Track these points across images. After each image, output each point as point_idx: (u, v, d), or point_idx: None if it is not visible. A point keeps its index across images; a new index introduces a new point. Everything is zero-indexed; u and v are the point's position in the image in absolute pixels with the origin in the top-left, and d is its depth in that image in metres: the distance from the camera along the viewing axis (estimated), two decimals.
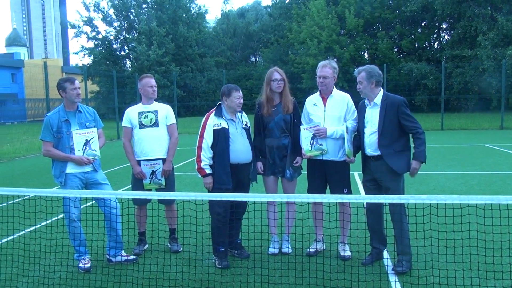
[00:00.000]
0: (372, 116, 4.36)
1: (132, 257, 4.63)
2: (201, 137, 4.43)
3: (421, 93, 30.61)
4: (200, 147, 4.41)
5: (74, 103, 4.56)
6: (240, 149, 4.52)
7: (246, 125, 4.69)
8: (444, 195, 3.17)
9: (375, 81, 4.32)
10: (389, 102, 4.27)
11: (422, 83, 30.75)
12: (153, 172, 4.89)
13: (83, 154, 4.52)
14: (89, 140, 4.58)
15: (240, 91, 4.56)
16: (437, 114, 24.92)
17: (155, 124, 4.91)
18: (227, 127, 4.47)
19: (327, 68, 4.61)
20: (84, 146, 4.54)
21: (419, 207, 4.00)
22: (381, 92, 4.38)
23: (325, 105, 4.67)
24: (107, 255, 4.64)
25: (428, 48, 36.60)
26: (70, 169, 4.51)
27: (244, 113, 4.76)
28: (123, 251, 4.68)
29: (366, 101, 4.48)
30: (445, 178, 8.93)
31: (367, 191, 4.50)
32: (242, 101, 4.52)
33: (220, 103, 4.59)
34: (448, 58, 32.22)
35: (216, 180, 4.40)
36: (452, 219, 3.91)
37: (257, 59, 53.04)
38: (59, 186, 4.61)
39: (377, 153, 4.29)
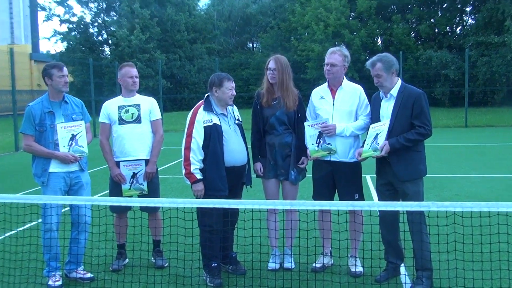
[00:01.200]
0: (388, 111, 4.36)
1: (89, 275, 4.60)
2: (190, 136, 4.38)
3: (442, 85, 30.70)
4: (188, 148, 4.37)
5: (60, 92, 4.57)
6: (236, 148, 4.50)
7: (238, 120, 4.68)
8: (469, 202, 3.16)
9: (395, 71, 4.33)
10: (406, 94, 4.27)
11: (443, 74, 30.80)
12: (134, 175, 4.87)
13: (68, 151, 4.50)
14: (76, 135, 4.57)
15: (233, 81, 4.56)
16: (460, 109, 24.98)
17: (137, 120, 4.89)
18: (219, 123, 4.44)
19: (336, 55, 4.60)
20: (70, 142, 4.52)
21: (441, 215, 3.98)
22: (399, 82, 4.38)
23: (333, 98, 4.67)
24: (65, 270, 4.63)
25: (449, 34, 36.70)
26: (54, 167, 4.49)
27: (235, 106, 4.76)
28: (81, 268, 4.65)
29: (381, 93, 4.47)
30: (470, 182, 8.95)
31: (382, 197, 4.48)
32: (234, 92, 4.52)
33: (208, 95, 4.56)
34: (472, 45, 32.28)
35: (209, 187, 4.37)
36: (479, 229, 3.88)
37: (255, 45, 53.01)
38: (39, 187, 4.60)
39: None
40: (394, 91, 4.34)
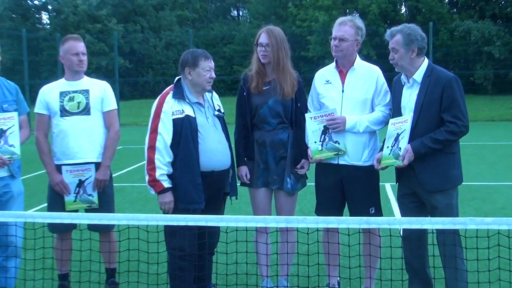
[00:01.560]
0: (411, 101, 4.39)
1: None
2: (154, 132, 4.38)
3: (484, 66, 30.89)
4: (153, 148, 4.37)
5: None
6: (215, 148, 4.51)
7: (219, 111, 4.68)
8: None
9: (416, 48, 4.34)
10: (434, 79, 4.31)
11: (486, 52, 30.99)
12: (80, 183, 4.86)
13: None
14: (6, 131, 4.56)
15: (211, 60, 4.56)
16: (506, 97, 25.23)
17: (85, 111, 4.88)
18: (193, 115, 4.45)
19: (347, 27, 4.62)
20: None
21: (481, 235, 4.01)
22: (425, 63, 4.41)
23: (343, 82, 4.69)
24: None
25: (494, 0, 36.94)
26: None
27: (214, 93, 4.76)
28: None
29: (403, 77, 4.50)
30: None
31: (405, 212, 4.52)
32: (213, 74, 4.52)
33: (180, 79, 4.57)
34: None
35: (180, 198, 4.37)
36: None
37: (241, 14, 53.01)
38: None
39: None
40: (419, 75, 4.37)
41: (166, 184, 4.37)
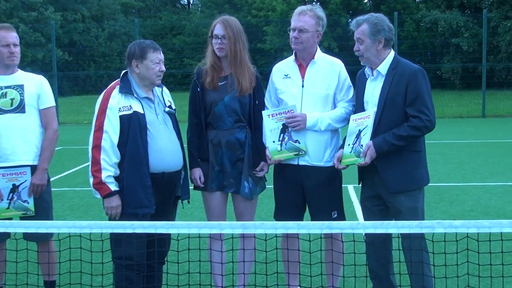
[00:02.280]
0: (375, 95, 4.46)
1: None
2: (99, 130, 4.34)
3: (452, 59, 31.42)
4: (98, 147, 4.32)
5: None
6: (166, 147, 4.50)
7: (170, 107, 4.67)
8: (488, 220, 3.26)
9: (383, 39, 4.40)
10: (399, 72, 4.38)
11: (453, 44, 31.53)
12: (14, 188, 4.79)
13: None
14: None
15: (161, 52, 4.55)
16: (475, 92, 25.61)
17: (19, 108, 4.83)
18: (142, 111, 4.42)
19: (307, 17, 4.66)
20: None
21: (450, 239, 4.09)
22: (391, 55, 4.49)
23: (303, 77, 4.74)
24: None
25: None
26: None
27: (165, 88, 4.76)
28: None
29: (367, 69, 4.57)
30: (489, 193, 9.26)
31: (368, 216, 4.58)
32: (163, 67, 4.51)
33: (126, 72, 4.54)
34: (493, 4, 33.20)
35: (128, 202, 4.35)
36: (500, 257, 4.03)
37: (191, 2, 52.79)
38: None
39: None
40: (383, 68, 4.44)
41: (113, 187, 4.33)
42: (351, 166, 4.61)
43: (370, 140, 4.30)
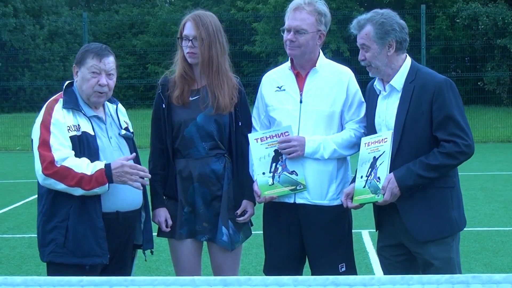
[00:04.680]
0: (389, 114, 4.51)
1: None
2: (45, 144, 4.28)
3: (497, 66, 31.47)
4: (45, 144, 4.29)
5: None
6: None
7: (126, 129, 4.71)
8: None
9: (394, 42, 4.44)
10: (419, 84, 4.42)
11: (499, 46, 31.65)
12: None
13: None
14: None
15: (107, 60, 4.52)
16: None
17: None
18: (92, 132, 4.47)
19: (304, 14, 4.71)
20: None
21: None
22: (407, 63, 4.53)
23: (301, 90, 4.79)
24: None
25: None
26: None
27: (120, 105, 4.81)
28: None
29: (376, 82, 4.63)
30: None
31: (388, 269, 4.65)
32: (104, 80, 4.45)
33: (72, 83, 4.59)
34: None
35: (74, 250, 4.37)
36: None
37: None
38: None
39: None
40: (398, 81, 4.48)
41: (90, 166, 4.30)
42: (367, 206, 4.66)
43: (390, 170, 4.33)
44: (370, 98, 4.68)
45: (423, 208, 4.39)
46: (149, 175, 4.45)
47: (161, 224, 4.85)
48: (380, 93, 4.57)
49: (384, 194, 4.32)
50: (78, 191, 4.26)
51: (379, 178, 4.37)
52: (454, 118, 4.31)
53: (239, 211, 4.84)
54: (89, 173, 4.25)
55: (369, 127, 4.65)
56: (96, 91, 4.47)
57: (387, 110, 4.51)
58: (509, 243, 9.12)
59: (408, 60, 4.54)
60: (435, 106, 4.32)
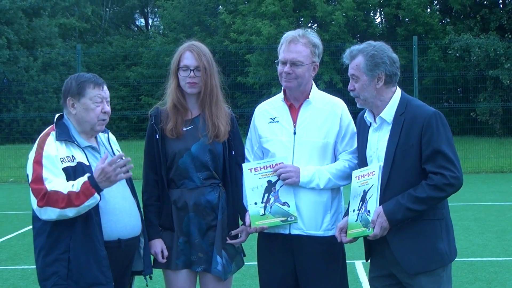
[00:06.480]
0: (379, 147, 4.53)
1: None
2: (38, 180, 4.28)
3: (489, 97, 31.43)
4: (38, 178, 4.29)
5: None
6: (120, 206, 4.56)
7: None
8: None
9: (383, 75, 4.47)
10: (409, 117, 4.44)
11: (491, 77, 31.68)
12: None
13: None
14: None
15: (105, 88, 4.58)
16: None
17: None
18: (87, 162, 4.48)
19: (299, 46, 4.76)
20: None
21: None
22: (396, 96, 4.56)
23: (295, 121, 4.83)
24: None
25: (501, 6, 37.98)
26: None
27: (111, 134, 4.83)
28: None
29: (367, 114, 4.66)
30: None
31: None
32: (107, 108, 4.54)
33: (63, 115, 4.61)
34: None
35: (78, 281, 4.34)
36: None
37: (149, 22, 53.19)
38: None
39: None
40: (388, 113, 4.50)
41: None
42: (359, 242, 4.68)
43: (379, 204, 4.34)
44: (361, 129, 4.70)
45: (412, 241, 4.39)
46: (129, 158, 4.34)
47: (157, 255, 4.84)
48: (371, 125, 4.59)
49: (374, 228, 4.32)
50: (71, 211, 4.23)
51: (369, 211, 4.38)
52: (443, 152, 4.31)
53: (233, 232, 4.85)
54: (75, 190, 4.22)
55: (361, 159, 4.66)
56: (100, 120, 4.51)
57: (378, 142, 4.52)
58: (502, 274, 9.10)
59: (398, 92, 4.55)
60: (424, 139, 4.34)
